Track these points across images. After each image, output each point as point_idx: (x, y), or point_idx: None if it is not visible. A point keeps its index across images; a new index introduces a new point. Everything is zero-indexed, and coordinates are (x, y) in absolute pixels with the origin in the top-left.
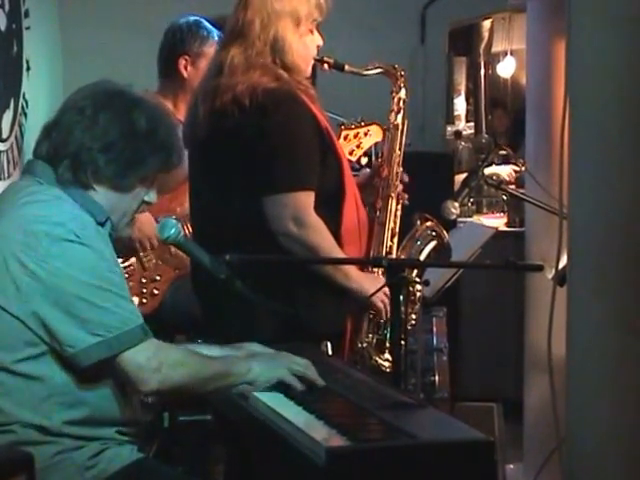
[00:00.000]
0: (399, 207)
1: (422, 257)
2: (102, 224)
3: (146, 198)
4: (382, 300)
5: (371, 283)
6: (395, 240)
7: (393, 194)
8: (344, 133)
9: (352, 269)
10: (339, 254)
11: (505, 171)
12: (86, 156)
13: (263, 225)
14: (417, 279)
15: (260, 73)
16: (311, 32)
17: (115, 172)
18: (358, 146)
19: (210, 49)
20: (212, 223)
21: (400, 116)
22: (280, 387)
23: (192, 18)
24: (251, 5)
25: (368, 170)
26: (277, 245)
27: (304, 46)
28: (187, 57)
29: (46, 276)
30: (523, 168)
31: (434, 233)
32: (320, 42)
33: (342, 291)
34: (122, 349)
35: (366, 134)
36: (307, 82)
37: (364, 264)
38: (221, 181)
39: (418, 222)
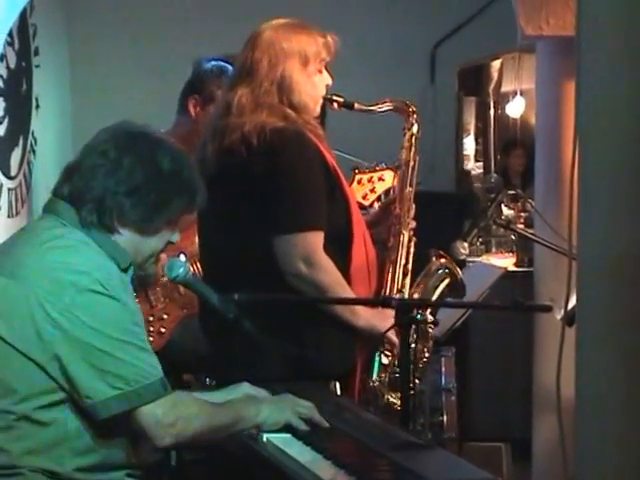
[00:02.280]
0: (411, 244)
1: (436, 294)
2: (125, 269)
3: (171, 239)
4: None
5: (380, 319)
6: (408, 278)
7: (405, 231)
8: (358, 177)
9: (360, 307)
10: (348, 294)
11: None
12: (111, 200)
13: (271, 264)
14: (430, 316)
15: (268, 113)
16: (320, 72)
17: (141, 216)
18: (372, 190)
19: None
20: (220, 262)
21: (411, 153)
22: (287, 428)
23: (220, 62)
24: (259, 45)
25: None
26: (285, 284)
27: (312, 85)
28: (197, 97)
29: (69, 327)
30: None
31: (447, 270)
32: (329, 81)
33: (351, 330)
34: (141, 403)
35: (380, 179)
36: (315, 121)
37: (373, 304)
38: (229, 220)
39: (433, 259)
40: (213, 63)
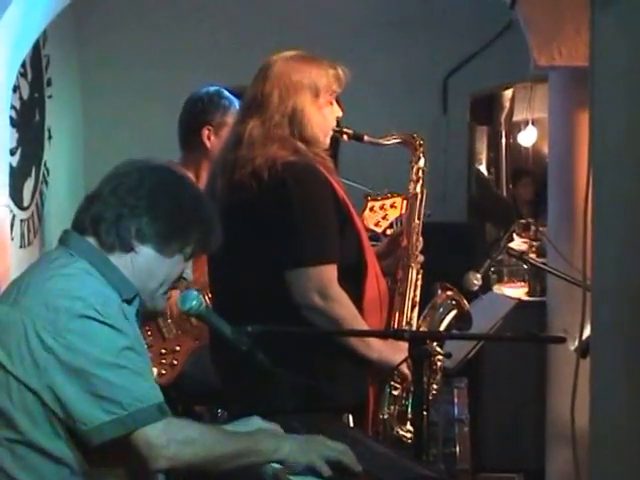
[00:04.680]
0: (419, 277)
1: (443, 326)
2: (129, 301)
3: (184, 274)
4: (408, 366)
5: (392, 351)
6: (416, 310)
7: (413, 264)
8: (370, 204)
9: (374, 340)
10: (362, 326)
11: None
12: (130, 215)
13: (284, 297)
14: (438, 349)
15: (278, 146)
16: (330, 104)
17: (159, 232)
18: (384, 217)
19: (232, 118)
20: (232, 294)
21: (419, 186)
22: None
23: (213, 88)
24: (269, 77)
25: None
26: (297, 317)
27: (323, 118)
28: (210, 127)
29: (62, 352)
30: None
31: (454, 302)
32: (339, 113)
33: (364, 362)
34: (136, 427)
35: (392, 206)
36: (325, 154)
37: (386, 337)
38: (240, 253)
39: (439, 291)
40: (206, 90)
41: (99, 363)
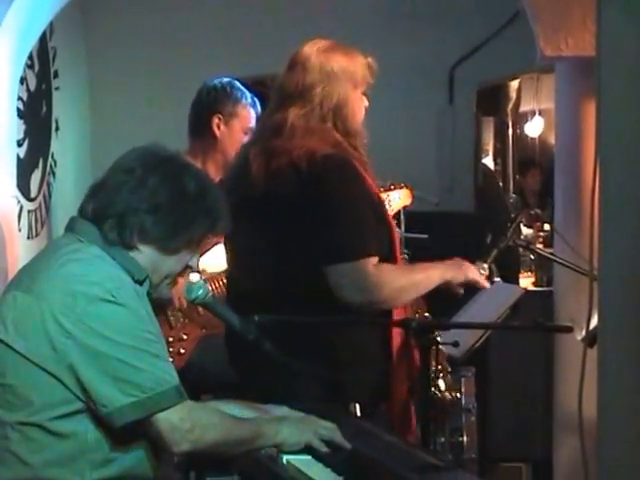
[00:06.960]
0: None
1: None
2: (140, 283)
3: (190, 262)
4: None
5: (454, 271)
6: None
7: None
8: None
9: (430, 267)
10: (426, 272)
11: None
12: (133, 216)
13: (315, 290)
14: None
15: (318, 138)
16: (362, 95)
17: (162, 234)
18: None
19: (243, 110)
20: (255, 284)
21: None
22: (307, 449)
23: (225, 79)
24: (310, 68)
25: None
26: (329, 310)
27: (360, 110)
28: (220, 116)
29: (82, 336)
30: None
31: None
32: (367, 104)
33: (382, 354)
34: (156, 410)
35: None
36: (364, 147)
37: (394, 327)
38: (270, 243)
39: None
40: (219, 80)
41: (119, 347)
